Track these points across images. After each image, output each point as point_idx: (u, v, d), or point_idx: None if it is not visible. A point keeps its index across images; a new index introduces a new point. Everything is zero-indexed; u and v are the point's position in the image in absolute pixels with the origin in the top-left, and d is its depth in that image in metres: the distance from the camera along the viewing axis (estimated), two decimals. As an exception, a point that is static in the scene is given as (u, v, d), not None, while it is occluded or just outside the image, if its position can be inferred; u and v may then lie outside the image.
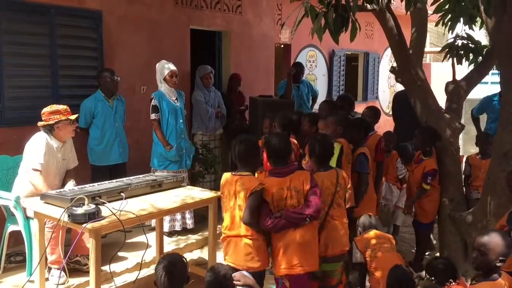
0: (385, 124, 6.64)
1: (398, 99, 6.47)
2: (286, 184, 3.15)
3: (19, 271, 4.08)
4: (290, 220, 3.10)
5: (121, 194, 3.45)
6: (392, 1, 4.43)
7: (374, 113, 4.97)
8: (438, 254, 4.62)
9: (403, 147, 5.19)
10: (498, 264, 2.66)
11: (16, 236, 4.19)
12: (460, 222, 4.20)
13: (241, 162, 3.24)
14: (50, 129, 3.98)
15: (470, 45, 4.78)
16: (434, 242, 5.06)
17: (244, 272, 2.96)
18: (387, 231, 4.75)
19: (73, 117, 4.06)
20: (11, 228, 4.08)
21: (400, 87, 6.35)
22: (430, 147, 4.45)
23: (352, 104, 5.46)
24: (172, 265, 2.64)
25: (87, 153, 4.91)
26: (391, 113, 7.00)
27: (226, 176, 3.30)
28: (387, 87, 11.71)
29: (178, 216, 5.01)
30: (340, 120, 4.22)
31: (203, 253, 4.83)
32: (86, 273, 3.73)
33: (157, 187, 3.81)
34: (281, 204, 3.16)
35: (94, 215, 3.02)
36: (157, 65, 4.99)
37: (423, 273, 4.84)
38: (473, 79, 4.78)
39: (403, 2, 3.92)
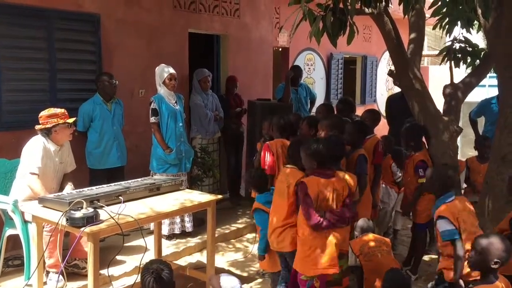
0: (384, 127, 6.64)
1: (391, 102, 6.51)
2: (332, 186, 3.27)
3: (17, 275, 4.07)
4: (334, 222, 3.22)
5: (120, 197, 3.44)
6: (390, 5, 4.44)
7: (373, 116, 4.97)
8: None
9: (397, 151, 5.18)
10: (493, 266, 2.67)
11: (14, 240, 4.18)
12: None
13: (288, 158, 3.79)
14: (47, 133, 3.98)
15: (468, 48, 4.80)
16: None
17: (224, 274, 3.18)
18: (382, 234, 4.76)
19: (70, 120, 4.05)
20: (9, 232, 4.07)
21: (397, 90, 6.37)
22: (416, 142, 4.48)
23: (352, 108, 5.46)
24: (160, 270, 2.62)
25: (85, 156, 4.91)
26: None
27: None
28: (385, 90, 11.73)
29: (177, 219, 5.01)
30: (333, 123, 4.22)
31: (202, 257, 4.82)
32: (85, 276, 3.72)
33: (155, 190, 3.80)
34: (323, 204, 3.25)
35: (92, 219, 3.01)
36: (156, 68, 5.00)
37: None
38: (470, 82, 4.79)
39: (401, 6, 3.93)
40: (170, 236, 5.05)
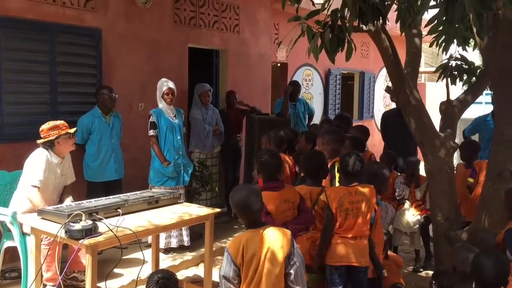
0: (380, 143, 6.68)
1: (386, 118, 6.58)
2: (284, 197, 3.23)
3: (14, 287, 4.06)
4: (295, 231, 3.12)
5: (118, 210, 3.46)
6: (387, 22, 4.51)
7: (361, 132, 5.06)
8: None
9: (411, 162, 5.26)
10: None
11: (11, 252, 4.18)
12: (455, 241, 4.22)
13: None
14: (50, 145, 4.01)
15: (464, 66, 4.85)
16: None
17: None
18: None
19: (72, 130, 4.10)
20: (7, 244, 4.07)
21: (395, 106, 6.43)
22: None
23: (349, 123, 5.51)
24: (166, 280, 2.63)
25: (83, 169, 4.93)
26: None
27: None
28: (382, 106, 11.81)
29: (175, 233, 5.01)
30: (336, 138, 4.26)
31: (199, 270, 4.82)
32: (82, 289, 3.72)
33: (154, 203, 3.81)
34: (281, 217, 3.18)
35: (91, 231, 3.02)
36: (158, 82, 5.06)
37: None
38: (467, 99, 4.83)
39: (398, 23, 3.99)
40: (168, 250, 5.04)
